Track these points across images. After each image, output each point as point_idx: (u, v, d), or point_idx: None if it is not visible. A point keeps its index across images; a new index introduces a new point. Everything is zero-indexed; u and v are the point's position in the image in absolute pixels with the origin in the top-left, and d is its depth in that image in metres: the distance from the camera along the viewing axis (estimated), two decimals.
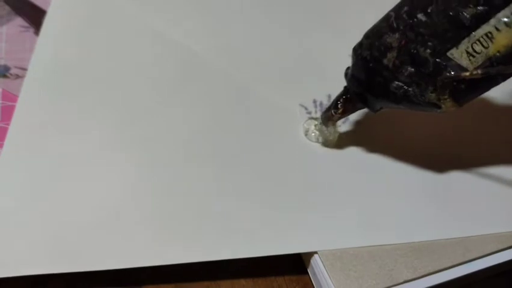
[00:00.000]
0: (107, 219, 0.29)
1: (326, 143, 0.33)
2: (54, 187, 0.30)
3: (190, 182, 0.31)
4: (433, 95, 0.26)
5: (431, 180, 0.32)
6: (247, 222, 0.29)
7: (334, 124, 0.32)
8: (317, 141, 0.34)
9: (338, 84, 0.31)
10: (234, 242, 0.28)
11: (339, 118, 0.31)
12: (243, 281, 0.29)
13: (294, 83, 0.38)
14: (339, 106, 0.31)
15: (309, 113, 0.35)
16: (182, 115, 0.35)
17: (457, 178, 0.33)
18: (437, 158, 0.34)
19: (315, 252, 0.29)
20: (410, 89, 0.26)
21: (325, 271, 0.28)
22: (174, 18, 0.41)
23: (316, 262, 0.28)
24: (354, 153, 0.34)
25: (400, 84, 0.26)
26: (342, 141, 0.34)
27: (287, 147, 0.33)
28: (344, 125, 0.35)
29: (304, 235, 0.29)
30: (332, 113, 0.31)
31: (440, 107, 0.26)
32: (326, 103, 0.35)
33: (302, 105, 0.36)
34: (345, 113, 0.31)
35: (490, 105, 0.38)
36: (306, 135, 0.34)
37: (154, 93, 0.36)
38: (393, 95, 0.27)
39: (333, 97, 0.32)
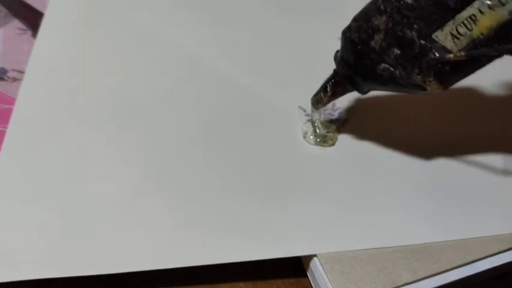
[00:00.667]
0: (105, 222, 0.29)
1: (324, 145, 0.34)
2: (53, 191, 0.30)
3: (188, 186, 0.31)
4: (419, 77, 0.26)
5: (430, 182, 0.32)
6: (246, 225, 0.29)
7: (323, 107, 0.33)
8: (315, 144, 0.34)
9: None
10: (232, 246, 0.28)
11: (329, 101, 0.32)
12: (242, 284, 0.29)
13: (293, 84, 0.38)
14: (328, 89, 0.31)
15: (308, 115, 0.35)
16: (180, 117, 0.35)
17: (456, 180, 0.33)
18: (437, 159, 0.34)
19: (314, 255, 0.28)
20: (396, 71, 0.27)
21: (324, 274, 0.28)
22: (172, 19, 0.42)
23: (315, 265, 0.28)
24: (353, 155, 0.34)
25: (387, 66, 0.27)
26: (340, 144, 0.34)
27: (285, 149, 0.34)
28: (343, 128, 0.35)
29: (303, 238, 0.29)
30: (321, 96, 0.31)
31: (425, 89, 0.27)
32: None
33: (301, 108, 0.36)
34: (335, 96, 0.31)
35: (491, 101, 0.38)
36: (304, 137, 0.34)
37: (153, 95, 0.36)
38: (381, 77, 0.28)
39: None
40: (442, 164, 0.33)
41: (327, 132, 0.34)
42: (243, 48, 0.40)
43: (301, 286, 0.29)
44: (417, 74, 0.26)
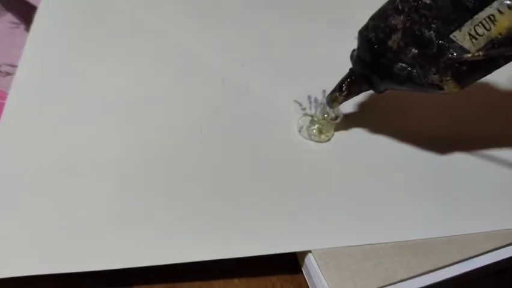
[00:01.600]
0: (99, 219, 0.28)
1: (320, 141, 0.34)
2: (46, 187, 0.29)
3: (182, 182, 0.31)
4: (436, 76, 0.26)
5: (427, 177, 0.32)
6: (240, 221, 0.29)
7: (338, 105, 0.33)
8: (310, 139, 0.33)
9: (334, 80, 0.32)
10: (226, 242, 0.28)
11: (344, 100, 0.32)
12: (236, 281, 0.29)
13: (288, 78, 0.37)
14: (343, 88, 0.31)
15: (304, 109, 0.35)
16: (175, 112, 0.34)
17: (454, 175, 0.32)
18: (433, 154, 0.33)
19: (309, 252, 0.28)
20: (413, 70, 0.27)
21: (319, 270, 0.27)
22: (167, 14, 0.42)
23: (310, 261, 0.28)
24: (349, 150, 0.33)
25: (404, 65, 0.27)
26: (336, 138, 0.34)
27: (281, 144, 0.33)
28: (340, 123, 0.35)
29: (298, 234, 0.29)
30: (336, 95, 0.32)
31: (442, 88, 0.27)
32: (321, 99, 0.35)
33: (297, 101, 0.36)
34: (350, 94, 0.31)
35: (493, 95, 0.38)
36: (300, 131, 0.34)
37: (147, 91, 0.35)
38: (397, 76, 0.28)
39: (328, 93, 0.33)
40: (439, 159, 0.33)
41: (324, 126, 0.34)
42: (238, 42, 0.40)
43: (296, 283, 0.29)
44: (435, 74, 0.26)
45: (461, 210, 0.31)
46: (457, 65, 0.26)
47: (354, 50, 0.30)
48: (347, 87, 0.31)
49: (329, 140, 0.34)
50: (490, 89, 0.38)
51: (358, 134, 0.34)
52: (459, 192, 0.32)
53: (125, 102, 0.34)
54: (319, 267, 0.27)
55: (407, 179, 0.32)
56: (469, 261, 0.28)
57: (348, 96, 0.32)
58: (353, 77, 0.31)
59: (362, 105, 0.36)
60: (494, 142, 0.35)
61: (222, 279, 0.29)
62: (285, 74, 0.38)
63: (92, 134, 0.32)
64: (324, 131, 0.34)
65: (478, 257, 0.29)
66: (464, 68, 0.26)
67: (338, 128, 0.34)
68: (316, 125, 0.34)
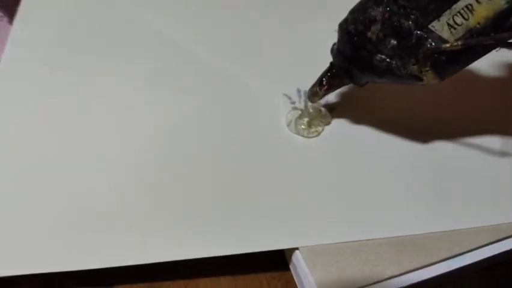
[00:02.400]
0: (81, 219, 0.28)
1: (309, 136, 0.33)
2: (30, 185, 0.29)
3: (167, 179, 0.30)
4: (415, 67, 0.26)
5: (418, 172, 0.32)
6: (225, 219, 0.29)
7: (319, 99, 0.32)
8: (299, 134, 0.33)
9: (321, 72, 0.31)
10: (212, 240, 0.28)
11: (325, 94, 0.32)
12: (222, 279, 0.28)
13: (277, 71, 0.37)
14: (324, 82, 0.31)
15: (293, 102, 0.35)
16: (161, 105, 0.34)
17: (445, 170, 0.32)
18: (423, 148, 0.33)
19: (296, 249, 0.28)
20: (393, 61, 0.27)
21: (306, 268, 0.27)
22: (153, 5, 0.41)
23: (297, 259, 0.28)
24: (338, 145, 0.33)
25: (383, 57, 0.27)
26: (326, 133, 0.34)
27: (269, 139, 0.33)
28: (328, 118, 0.34)
29: (284, 231, 0.28)
30: (317, 89, 0.31)
31: (421, 80, 0.27)
32: None
33: (285, 95, 0.35)
34: (331, 88, 0.31)
35: (482, 81, 0.38)
36: (288, 126, 0.33)
37: (134, 83, 0.35)
38: (377, 68, 0.28)
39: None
40: (429, 152, 0.33)
41: (313, 120, 0.33)
42: (226, 34, 0.39)
43: (284, 280, 0.29)
44: (414, 64, 0.26)
45: (452, 206, 0.31)
46: (436, 55, 0.26)
47: (334, 44, 0.30)
48: (328, 81, 0.31)
49: (318, 135, 0.33)
50: (479, 76, 0.38)
51: (347, 129, 0.34)
52: (450, 188, 0.31)
53: (113, 96, 0.34)
54: (306, 264, 0.27)
55: (397, 174, 0.32)
56: (459, 257, 0.28)
57: (328, 90, 0.31)
58: (334, 71, 0.30)
59: (355, 98, 0.35)
60: (492, 131, 0.35)
61: (209, 277, 0.28)
62: (274, 67, 0.37)
63: (77, 128, 0.32)
64: (313, 125, 0.33)
65: (468, 253, 0.28)
66: (443, 58, 0.26)
67: (327, 122, 0.34)
68: (306, 119, 0.33)
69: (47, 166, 0.30)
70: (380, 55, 0.27)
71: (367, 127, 0.34)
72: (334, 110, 0.35)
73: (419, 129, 0.34)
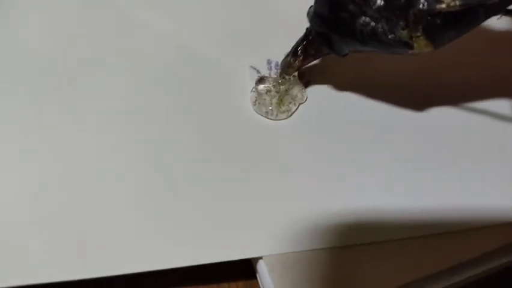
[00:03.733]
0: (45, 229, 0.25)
1: (278, 117, 0.28)
2: (16, 191, 0.26)
3: (112, 176, 0.26)
4: (404, 31, 0.22)
5: (412, 161, 0.27)
6: (179, 224, 0.25)
7: (294, 72, 0.28)
8: (266, 115, 0.28)
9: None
10: (162, 250, 0.24)
11: (301, 65, 0.28)
12: None
13: (244, 40, 0.32)
14: (299, 52, 0.27)
15: (263, 77, 0.30)
16: (117, 79, 0.30)
17: (443, 160, 0.27)
18: (421, 128, 0.28)
19: (260, 258, 0.24)
20: (378, 25, 0.23)
21: (270, 281, 0.23)
22: None
23: (261, 268, 0.24)
24: (313, 128, 0.28)
25: (368, 19, 0.23)
26: (298, 113, 0.29)
27: (231, 122, 0.28)
28: (302, 93, 0.30)
29: (246, 238, 0.24)
30: (291, 60, 0.27)
31: (412, 47, 0.23)
32: None
33: (253, 67, 0.30)
34: (307, 59, 0.27)
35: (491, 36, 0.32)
36: (254, 105, 0.29)
37: (90, 52, 0.31)
38: (360, 34, 0.23)
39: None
40: (427, 137, 0.28)
41: (284, 98, 0.29)
42: (188, 4, 0.35)
43: None
44: (403, 29, 0.22)
45: (454, 205, 0.26)
46: (429, 17, 0.22)
47: (311, 6, 0.26)
48: (303, 50, 0.27)
49: (289, 116, 0.28)
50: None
51: (325, 108, 0.29)
52: (443, 173, 0.26)
53: (75, 66, 0.31)
54: (270, 276, 0.23)
55: (385, 165, 0.27)
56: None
57: (305, 61, 0.27)
58: (310, 38, 0.26)
59: (334, 70, 0.30)
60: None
61: None
62: (240, 34, 0.32)
63: (50, 119, 0.29)
64: (284, 104, 0.29)
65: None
66: (438, 21, 0.22)
67: (301, 99, 0.29)
68: (275, 96, 0.29)
69: (40, 168, 0.27)
70: (364, 17, 0.23)
71: (350, 105, 0.29)
72: (309, 84, 0.30)
73: (414, 105, 0.29)
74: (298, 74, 0.29)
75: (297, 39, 0.27)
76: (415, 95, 0.30)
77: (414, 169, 0.27)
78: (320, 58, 0.28)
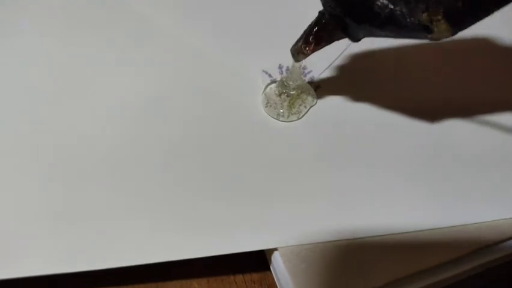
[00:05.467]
0: (39, 219, 0.25)
1: (289, 118, 0.29)
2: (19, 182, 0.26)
3: (134, 175, 0.26)
4: (424, 14, 0.22)
5: (418, 161, 0.28)
6: (196, 217, 0.25)
7: (305, 58, 0.27)
8: (276, 118, 0.29)
9: None
10: (182, 241, 0.24)
11: (313, 51, 0.27)
12: (195, 283, 0.25)
13: (256, 46, 0.33)
14: (311, 38, 0.26)
15: (274, 81, 0.31)
16: (131, 82, 0.30)
17: (444, 159, 0.28)
18: (428, 131, 0.29)
19: (275, 249, 0.24)
20: (397, 7, 0.22)
21: (285, 271, 0.23)
22: None
23: (276, 260, 0.24)
24: (322, 130, 0.29)
25: (385, 2, 0.22)
26: (310, 115, 0.29)
27: (244, 123, 0.29)
28: (312, 96, 0.30)
29: (262, 230, 0.25)
30: (301, 45, 0.26)
31: (431, 31, 0.22)
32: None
33: (265, 72, 0.31)
34: (319, 44, 0.26)
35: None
36: (266, 107, 0.29)
37: (105, 58, 0.32)
38: (377, 17, 0.23)
39: (302, 61, 0.28)
40: (434, 139, 0.29)
41: (295, 101, 0.29)
42: (201, 5, 0.35)
43: (265, 284, 0.25)
44: (423, 12, 0.21)
45: (456, 201, 0.27)
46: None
47: None
48: (316, 34, 0.26)
49: (299, 118, 0.29)
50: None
51: (334, 111, 0.30)
52: (450, 182, 0.27)
53: (82, 71, 0.31)
54: (285, 267, 0.23)
55: (393, 165, 0.28)
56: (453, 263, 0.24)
57: (317, 47, 0.26)
58: (323, 21, 0.25)
59: (345, 73, 0.31)
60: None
61: (180, 280, 0.25)
62: (252, 40, 0.33)
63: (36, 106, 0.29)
64: (294, 106, 0.29)
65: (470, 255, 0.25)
66: (459, 3, 0.21)
67: (312, 102, 0.30)
68: (286, 99, 0.29)
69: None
70: (381, 0, 0.22)
71: (358, 109, 0.30)
72: (319, 88, 0.30)
73: (422, 110, 0.30)
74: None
75: (309, 23, 0.26)
76: (423, 104, 0.31)
77: (418, 170, 0.28)
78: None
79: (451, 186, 0.27)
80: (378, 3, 0.22)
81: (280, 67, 0.31)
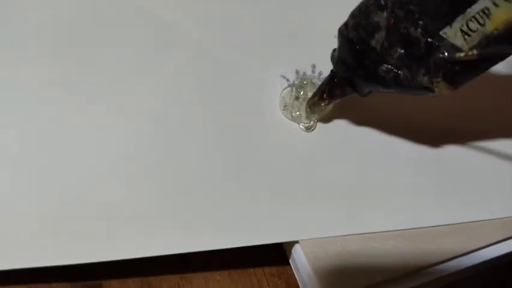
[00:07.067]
0: (68, 211, 0.26)
1: (307, 123, 0.31)
2: (20, 177, 0.27)
3: (157, 169, 0.28)
4: (425, 78, 0.24)
5: (426, 162, 0.30)
6: (219, 210, 0.27)
7: (320, 111, 0.30)
8: (294, 121, 0.31)
9: (323, 52, 0.28)
10: (206, 233, 0.26)
11: (328, 104, 0.29)
12: (217, 276, 0.27)
13: (275, 51, 0.34)
14: (325, 96, 0.29)
15: (291, 85, 0.32)
16: (153, 87, 0.32)
17: (451, 163, 0.30)
18: (434, 134, 0.31)
19: (296, 242, 0.26)
20: (400, 72, 0.24)
21: (307, 263, 0.25)
22: None
23: (297, 253, 0.26)
24: (341, 133, 0.31)
25: (390, 67, 0.24)
26: (326, 120, 0.31)
27: (265, 125, 0.31)
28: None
29: (283, 223, 0.26)
30: (317, 100, 0.29)
31: (433, 91, 0.24)
32: (310, 74, 0.32)
33: (283, 76, 0.33)
34: (333, 98, 0.29)
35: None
36: (283, 109, 0.31)
37: (126, 64, 0.33)
38: (383, 79, 0.25)
39: (318, 67, 0.30)
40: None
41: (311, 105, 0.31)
42: (220, 12, 0.37)
43: (285, 277, 0.27)
44: (424, 75, 0.24)
45: (460, 198, 0.29)
46: (449, 64, 0.23)
47: (334, 50, 0.27)
48: (329, 91, 0.28)
49: (315, 123, 0.31)
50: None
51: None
52: (457, 181, 0.30)
53: (104, 77, 0.32)
54: (307, 259, 0.25)
55: (406, 166, 0.30)
56: (474, 254, 0.26)
57: (330, 100, 0.29)
58: (335, 80, 0.28)
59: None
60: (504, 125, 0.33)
61: (203, 272, 0.27)
62: (271, 45, 0.35)
63: (66, 121, 0.30)
64: (312, 111, 0.31)
65: (483, 249, 0.27)
66: (457, 68, 0.23)
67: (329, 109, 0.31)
68: (302, 103, 0.31)
69: (36, 159, 0.28)
70: (385, 65, 0.24)
71: (373, 112, 0.32)
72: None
73: (433, 120, 0.32)
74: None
75: (322, 81, 0.29)
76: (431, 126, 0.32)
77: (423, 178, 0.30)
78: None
79: (452, 186, 0.29)
80: (383, 68, 0.25)
81: (297, 72, 0.33)
